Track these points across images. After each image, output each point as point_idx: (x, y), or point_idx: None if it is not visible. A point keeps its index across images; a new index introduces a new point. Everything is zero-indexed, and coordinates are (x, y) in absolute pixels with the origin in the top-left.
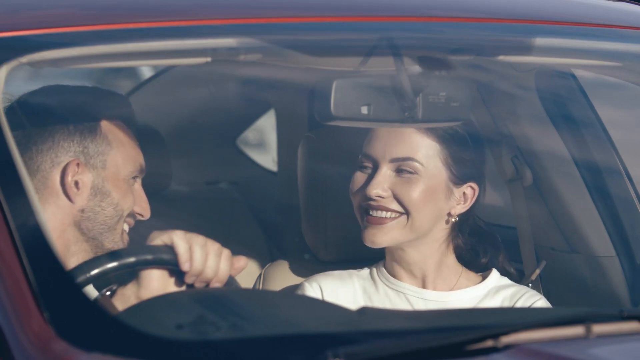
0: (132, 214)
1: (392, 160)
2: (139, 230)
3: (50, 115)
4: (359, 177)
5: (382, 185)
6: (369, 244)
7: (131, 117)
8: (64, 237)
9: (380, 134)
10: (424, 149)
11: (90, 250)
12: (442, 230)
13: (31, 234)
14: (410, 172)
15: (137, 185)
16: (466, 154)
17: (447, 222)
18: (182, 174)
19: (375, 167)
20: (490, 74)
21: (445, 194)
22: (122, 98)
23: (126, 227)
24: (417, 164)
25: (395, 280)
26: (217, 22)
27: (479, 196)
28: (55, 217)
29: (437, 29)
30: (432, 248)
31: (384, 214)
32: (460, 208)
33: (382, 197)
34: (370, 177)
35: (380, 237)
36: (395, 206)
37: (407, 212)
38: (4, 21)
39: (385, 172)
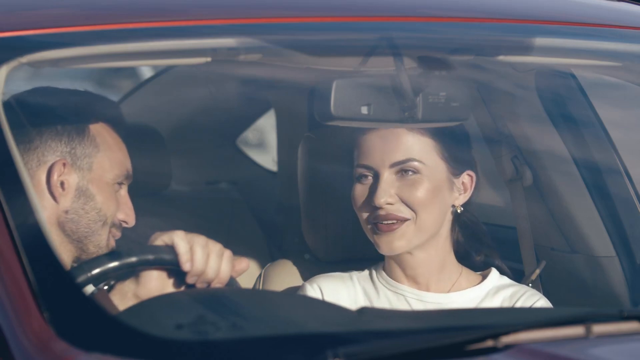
0: (117, 224)
1: (393, 165)
2: (139, 231)
3: (39, 116)
4: (360, 190)
5: (388, 192)
6: (386, 252)
7: (120, 123)
8: None
9: (373, 143)
10: (420, 147)
11: (74, 252)
12: (447, 224)
13: (31, 234)
14: (413, 172)
15: (123, 192)
16: (458, 144)
17: (452, 213)
18: (182, 174)
19: (376, 176)
20: (490, 74)
21: (448, 187)
22: (111, 103)
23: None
24: (417, 163)
25: (395, 282)
26: (217, 22)
27: (476, 183)
28: None
29: (437, 29)
30: (438, 246)
31: (394, 220)
32: (463, 198)
33: (391, 204)
34: (374, 187)
35: (396, 243)
36: (404, 210)
37: (416, 214)
38: (4, 21)
39: (388, 178)
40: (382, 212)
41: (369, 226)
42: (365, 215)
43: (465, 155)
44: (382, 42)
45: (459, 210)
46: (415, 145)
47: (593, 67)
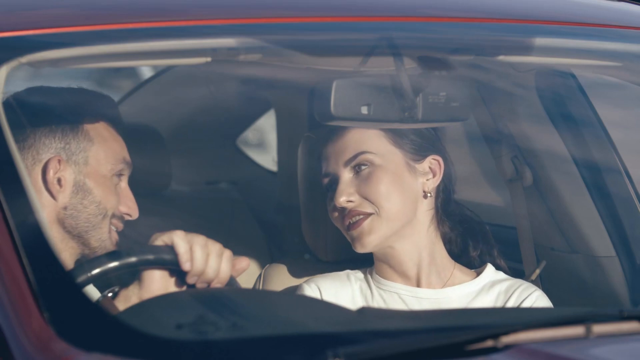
0: (118, 216)
1: (346, 164)
2: (139, 230)
3: (32, 114)
4: (329, 198)
5: (347, 191)
6: (360, 250)
7: (116, 117)
8: None
9: (327, 151)
10: (368, 138)
11: (76, 248)
12: (425, 213)
13: (31, 234)
14: (366, 165)
15: (124, 184)
16: (411, 129)
17: (425, 197)
18: (182, 174)
19: (336, 180)
20: (490, 74)
21: (409, 172)
22: (106, 99)
23: (113, 228)
24: (369, 155)
25: (387, 281)
26: (217, 22)
27: (448, 169)
28: None
29: (437, 29)
30: (420, 234)
31: (360, 216)
32: (432, 182)
33: (352, 202)
34: (335, 190)
35: (366, 238)
36: (366, 205)
37: (378, 206)
38: (4, 21)
39: (346, 178)
40: (346, 212)
41: (345, 233)
42: (338, 221)
43: (425, 140)
44: (382, 42)
45: (430, 195)
46: (364, 138)
47: (593, 67)
